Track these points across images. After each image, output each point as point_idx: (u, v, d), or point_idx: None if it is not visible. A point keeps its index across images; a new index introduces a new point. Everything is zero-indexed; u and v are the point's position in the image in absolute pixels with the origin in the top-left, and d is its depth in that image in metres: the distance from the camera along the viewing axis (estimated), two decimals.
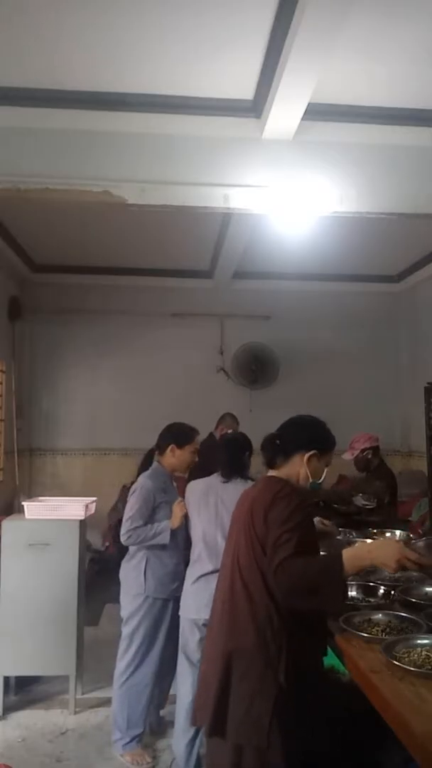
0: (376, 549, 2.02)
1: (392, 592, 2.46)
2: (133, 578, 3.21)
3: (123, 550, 3.37)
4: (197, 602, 2.86)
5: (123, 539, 3.18)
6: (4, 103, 3.24)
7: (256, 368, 7.25)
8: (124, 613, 3.25)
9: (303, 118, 3.24)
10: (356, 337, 7.38)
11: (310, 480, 2.15)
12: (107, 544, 6.34)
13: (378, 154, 3.53)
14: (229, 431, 4.85)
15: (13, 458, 6.56)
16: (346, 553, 1.95)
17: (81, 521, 3.80)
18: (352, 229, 5.13)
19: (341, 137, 3.49)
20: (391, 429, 7.12)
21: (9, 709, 3.67)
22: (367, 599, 2.46)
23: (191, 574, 2.99)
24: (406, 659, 1.85)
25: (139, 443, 5.27)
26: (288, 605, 1.93)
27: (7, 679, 3.72)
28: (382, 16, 2.64)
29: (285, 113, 3.17)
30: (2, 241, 5.80)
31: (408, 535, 3.59)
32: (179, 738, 2.94)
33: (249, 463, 3.10)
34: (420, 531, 5.13)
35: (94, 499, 4.08)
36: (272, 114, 3.16)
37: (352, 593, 2.48)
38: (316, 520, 2.83)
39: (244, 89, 3.19)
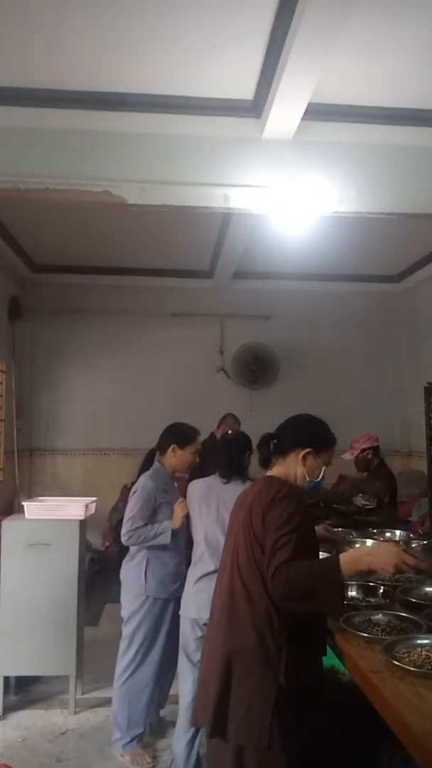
0: (374, 553, 2.01)
1: (391, 592, 2.45)
2: (134, 578, 3.21)
3: (123, 551, 3.37)
4: (198, 602, 2.86)
5: (124, 539, 3.18)
6: (4, 103, 3.24)
7: (256, 368, 7.25)
8: (125, 613, 3.25)
9: (303, 118, 3.24)
10: (356, 337, 7.39)
11: (307, 479, 2.14)
12: (107, 544, 6.34)
13: (378, 154, 3.53)
14: (229, 432, 4.85)
15: (13, 458, 6.56)
16: (344, 557, 1.94)
17: (81, 521, 3.80)
18: (352, 229, 5.13)
19: (341, 137, 3.49)
20: (391, 429, 7.12)
21: (9, 709, 3.67)
22: (367, 599, 2.46)
23: (193, 574, 2.99)
24: (406, 659, 1.85)
25: (139, 443, 5.28)
26: (286, 608, 1.93)
27: (7, 679, 3.72)
28: (382, 16, 2.64)
29: (285, 113, 3.17)
30: (2, 241, 5.80)
31: (408, 535, 3.59)
32: (179, 738, 2.95)
33: (249, 463, 3.09)
34: (420, 531, 5.14)
35: (94, 499, 4.08)
36: (272, 114, 3.16)
37: (352, 593, 2.48)
38: (321, 527, 2.82)
39: (244, 89, 3.19)
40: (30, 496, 5.64)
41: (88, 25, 2.72)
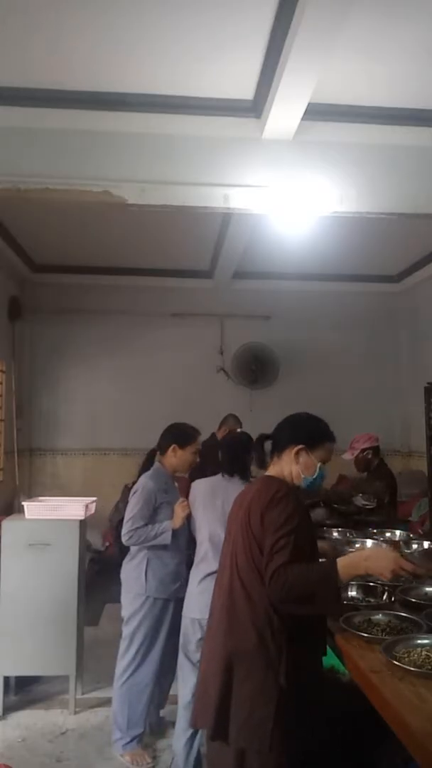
0: (372, 557, 2.00)
1: (389, 591, 2.45)
2: (134, 578, 3.21)
3: (123, 550, 3.37)
4: (202, 602, 2.85)
5: (124, 539, 3.18)
6: (4, 103, 3.24)
7: (256, 368, 7.25)
8: (125, 613, 3.25)
9: (303, 118, 3.24)
10: (356, 337, 7.39)
11: (303, 476, 2.12)
12: (107, 544, 6.34)
13: (378, 154, 3.53)
14: (238, 431, 4.84)
15: (13, 458, 6.56)
16: (341, 561, 1.93)
17: (81, 521, 3.80)
18: (352, 229, 5.13)
19: (341, 137, 3.49)
20: (391, 429, 7.12)
21: (9, 709, 3.67)
22: (367, 599, 2.46)
23: (196, 573, 2.98)
24: (406, 659, 1.85)
25: (139, 443, 5.28)
26: (284, 611, 1.93)
27: (7, 679, 3.72)
28: (382, 16, 2.64)
29: (285, 113, 3.17)
30: (2, 241, 5.80)
31: (408, 535, 3.59)
32: (179, 737, 2.95)
33: (251, 462, 3.09)
34: (420, 531, 5.14)
35: (94, 499, 4.08)
36: (272, 114, 3.16)
37: (352, 593, 2.48)
38: (327, 545, 2.78)
39: (244, 89, 3.19)
40: (30, 496, 5.64)
41: (88, 25, 2.72)
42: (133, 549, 3.27)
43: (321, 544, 2.49)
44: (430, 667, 1.81)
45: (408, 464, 7.22)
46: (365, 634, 2.07)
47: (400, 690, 1.70)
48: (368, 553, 2.04)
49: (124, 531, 3.17)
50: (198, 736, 2.88)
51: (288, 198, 3.48)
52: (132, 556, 3.27)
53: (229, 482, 3.01)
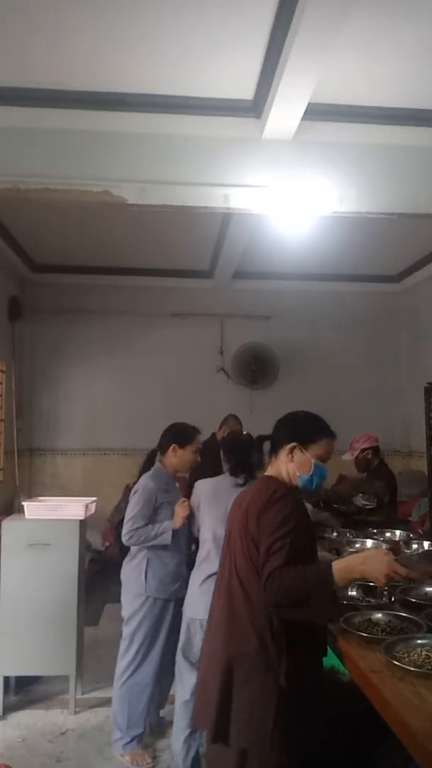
0: (367, 561, 1.97)
1: (389, 591, 2.45)
2: (134, 578, 3.21)
3: (124, 550, 3.37)
4: (206, 602, 2.85)
5: (124, 539, 3.18)
6: (4, 103, 3.24)
7: (256, 368, 7.25)
8: (125, 613, 3.25)
9: (303, 118, 3.24)
10: (356, 337, 7.39)
11: (298, 474, 2.09)
12: (107, 544, 6.34)
13: (378, 154, 3.53)
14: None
15: (13, 458, 6.56)
16: (337, 565, 1.92)
17: (81, 521, 3.80)
18: (352, 229, 5.13)
19: (341, 137, 3.49)
20: (391, 429, 7.12)
21: (9, 709, 3.67)
22: (367, 599, 2.46)
23: (199, 573, 2.98)
24: (406, 659, 1.85)
25: (139, 443, 5.28)
26: (279, 615, 1.92)
27: (7, 679, 3.72)
28: (382, 16, 2.64)
29: (285, 113, 3.17)
30: (2, 241, 5.80)
31: (408, 535, 3.59)
32: (177, 736, 2.95)
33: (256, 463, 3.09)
34: (420, 531, 5.15)
35: (94, 499, 4.08)
36: (272, 114, 3.16)
37: (352, 593, 2.48)
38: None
39: (244, 89, 3.19)
40: (30, 496, 5.64)
41: (88, 25, 2.72)
42: (133, 549, 3.27)
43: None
44: (430, 667, 1.81)
45: (408, 464, 7.22)
46: (365, 634, 2.07)
47: (400, 690, 1.70)
48: (364, 556, 2.02)
49: (124, 531, 3.17)
50: (197, 736, 2.87)
51: (288, 198, 3.48)
52: (132, 556, 3.27)
53: (233, 482, 3.00)
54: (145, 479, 3.26)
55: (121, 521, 3.28)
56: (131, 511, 3.17)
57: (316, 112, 3.28)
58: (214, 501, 3.01)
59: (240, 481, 2.99)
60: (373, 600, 2.44)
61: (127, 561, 3.31)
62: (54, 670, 3.77)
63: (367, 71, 3.05)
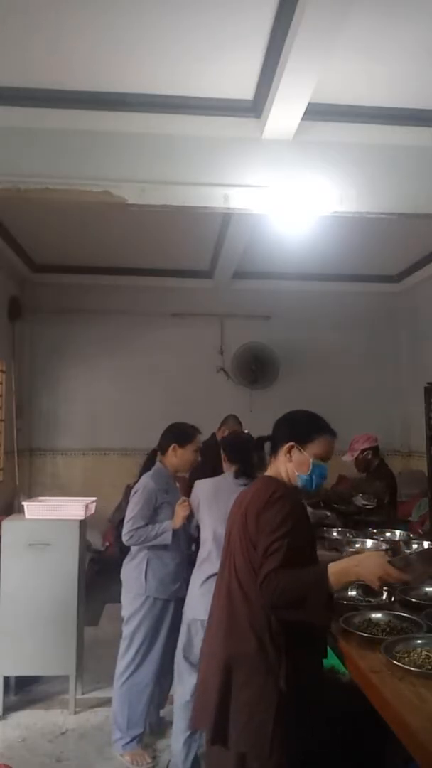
0: (362, 564, 1.95)
1: (389, 591, 2.45)
2: (134, 578, 3.21)
3: (124, 550, 3.37)
4: (207, 603, 2.85)
5: (125, 539, 3.19)
6: (4, 103, 3.24)
7: (256, 368, 7.25)
8: (125, 612, 3.25)
9: (303, 118, 3.24)
10: (356, 337, 7.39)
11: (297, 474, 2.08)
12: (107, 544, 6.34)
13: (378, 154, 3.53)
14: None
15: (13, 458, 6.56)
16: (332, 568, 1.90)
17: (81, 521, 3.80)
18: (352, 229, 5.13)
19: (341, 137, 3.49)
20: (391, 429, 7.12)
21: (9, 709, 3.67)
22: (367, 599, 2.46)
23: (200, 574, 2.97)
24: (406, 659, 1.85)
25: (139, 443, 5.28)
26: (276, 616, 1.92)
27: (7, 679, 3.72)
28: (382, 16, 2.64)
29: (285, 113, 3.17)
30: (2, 241, 5.80)
31: (408, 535, 3.59)
32: (177, 737, 2.94)
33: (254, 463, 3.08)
34: (420, 531, 5.15)
35: (94, 499, 4.08)
36: (272, 114, 3.16)
37: (352, 593, 2.48)
38: None
39: (244, 89, 3.19)
40: (30, 496, 5.64)
41: (88, 25, 2.72)
42: (133, 549, 3.27)
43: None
44: (430, 667, 1.80)
45: (408, 464, 7.22)
46: (365, 634, 2.07)
47: (400, 690, 1.70)
48: (359, 559, 2.01)
49: (124, 531, 3.18)
50: (196, 737, 2.87)
51: (288, 198, 3.48)
52: (132, 556, 3.27)
53: (233, 482, 3.00)
54: (146, 479, 3.27)
55: (122, 521, 3.29)
56: (131, 511, 3.17)
57: (316, 112, 3.28)
58: (214, 501, 3.01)
59: (241, 481, 2.99)
60: (373, 600, 2.44)
61: (127, 561, 3.31)
62: (54, 670, 3.77)
63: (367, 71, 3.05)
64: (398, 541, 3.35)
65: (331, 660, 2.19)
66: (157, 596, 3.18)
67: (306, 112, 3.18)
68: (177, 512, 3.17)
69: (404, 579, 1.99)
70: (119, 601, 3.32)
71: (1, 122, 3.29)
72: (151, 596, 3.18)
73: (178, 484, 3.45)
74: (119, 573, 3.34)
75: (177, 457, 3.30)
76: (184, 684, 2.96)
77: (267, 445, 2.24)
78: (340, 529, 3.74)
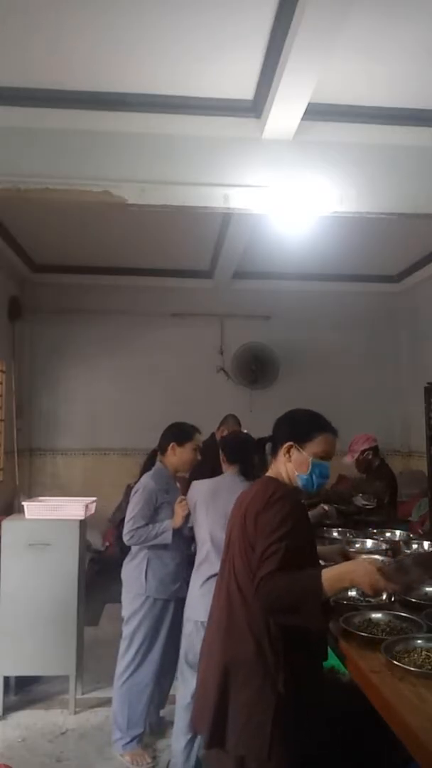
0: (356, 570, 1.95)
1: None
2: (135, 578, 3.22)
3: (124, 550, 3.38)
4: (206, 604, 2.84)
5: (125, 539, 3.19)
6: (4, 103, 3.24)
7: (256, 368, 7.25)
8: (125, 612, 3.25)
9: (303, 118, 3.24)
10: (356, 337, 7.39)
11: (296, 474, 2.07)
12: (107, 544, 6.34)
13: (378, 154, 3.53)
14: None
15: (13, 458, 6.56)
16: (326, 574, 1.89)
17: (81, 521, 3.80)
18: (352, 229, 5.13)
19: (341, 137, 3.49)
20: (391, 429, 7.13)
21: (9, 709, 3.67)
22: (367, 599, 2.45)
23: (199, 575, 2.97)
24: (406, 659, 1.85)
25: (139, 443, 5.28)
26: (272, 619, 1.91)
27: (7, 679, 3.72)
28: (382, 16, 2.64)
29: (285, 113, 3.17)
30: (2, 241, 5.80)
31: (408, 535, 3.59)
32: (178, 738, 2.94)
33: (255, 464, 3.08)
34: (420, 531, 5.14)
35: (94, 499, 4.08)
36: (272, 114, 3.16)
37: (352, 593, 2.47)
38: (338, 550, 2.69)
39: (244, 89, 3.19)
40: (30, 496, 5.65)
41: (88, 25, 2.72)
42: (133, 549, 3.27)
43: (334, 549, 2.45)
44: (430, 667, 1.80)
45: (408, 464, 7.21)
46: (365, 634, 2.06)
47: (400, 690, 1.70)
48: (354, 565, 2.00)
49: (125, 531, 3.18)
50: (198, 739, 2.87)
51: (288, 198, 3.48)
52: (132, 556, 3.28)
53: (231, 482, 3.00)
54: (146, 479, 3.27)
55: (122, 521, 3.29)
56: (132, 510, 3.18)
57: (316, 112, 3.28)
58: (211, 501, 3.00)
59: (240, 481, 2.99)
60: (373, 600, 2.44)
61: (127, 561, 3.31)
62: (54, 670, 3.77)
63: (367, 71, 3.05)
64: (398, 541, 3.35)
65: (331, 660, 2.19)
66: (157, 596, 3.18)
67: (306, 112, 3.18)
68: (176, 511, 3.17)
69: (393, 589, 1.98)
70: (119, 601, 3.32)
71: (1, 122, 3.29)
72: (151, 596, 3.18)
73: (178, 484, 3.45)
74: (119, 573, 3.34)
75: (176, 457, 3.31)
76: (187, 685, 2.95)
77: (268, 446, 2.23)
78: (340, 529, 3.74)
